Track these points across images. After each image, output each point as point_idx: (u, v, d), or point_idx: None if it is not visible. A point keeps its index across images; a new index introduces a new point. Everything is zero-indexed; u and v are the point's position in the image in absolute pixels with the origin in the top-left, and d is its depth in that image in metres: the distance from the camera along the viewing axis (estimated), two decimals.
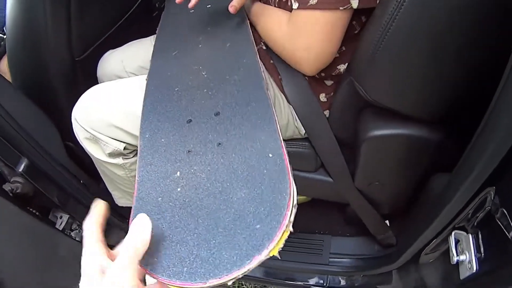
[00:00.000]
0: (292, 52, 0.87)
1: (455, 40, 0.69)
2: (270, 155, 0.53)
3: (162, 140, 0.66)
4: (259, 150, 0.56)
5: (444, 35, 0.68)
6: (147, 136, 0.67)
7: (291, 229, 0.46)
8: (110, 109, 0.96)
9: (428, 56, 0.72)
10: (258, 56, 0.84)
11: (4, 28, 1.47)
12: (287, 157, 0.54)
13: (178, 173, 0.58)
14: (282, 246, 0.45)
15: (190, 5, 1.00)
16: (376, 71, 0.79)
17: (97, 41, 1.21)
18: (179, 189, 0.56)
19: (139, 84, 0.96)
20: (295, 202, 0.48)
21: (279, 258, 0.45)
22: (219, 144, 0.60)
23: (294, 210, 0.47)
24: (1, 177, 1.11)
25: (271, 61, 0.98)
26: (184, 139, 0.64)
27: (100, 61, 1.25)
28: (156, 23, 1.17)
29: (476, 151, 0.67)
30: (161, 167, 0.60)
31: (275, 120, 0.62)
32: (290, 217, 0.46)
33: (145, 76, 0.93)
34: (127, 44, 1.26)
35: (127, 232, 1.03)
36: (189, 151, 0.61)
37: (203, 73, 0.83)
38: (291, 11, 0.86)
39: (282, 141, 0.56)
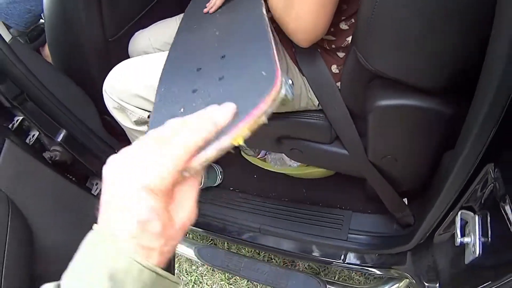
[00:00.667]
0: (286, 24, 0.88)
1: (452, 2, 0.65)
2: (264, 73, 0.53)
3: (174, 90, 0.69)
4: (254, 71, 0.57)
5: None
6: (162, 89, 0.71)
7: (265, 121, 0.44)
8: (135, 81, 1.04)
9: (424, 20, 0.69)
10: (267, 21, 0.81)
11: (42, 14, 1.64)
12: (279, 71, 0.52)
13: (182, 109, 0.59)
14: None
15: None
16: (374, 38, 0.77)
17: (128, 23, 1.30)
18: None
19: (162, 58, 1.03)
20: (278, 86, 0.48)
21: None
22: (220, 78, 0.62)
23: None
24: (42, 146, 1.23)
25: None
26: (192, 83, 0.66)
27: (131, 39, 1.34)
28: (184, 6, 1.24)
29: (470, 122, 0.66)
30: (169, 109, 0.62)
31: (273, 52, 0.60)
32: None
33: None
34: (154, 23, 1.34)
35: None
36: (194, 91, 0.63)
37: (216, 33, 0.86)
38: None
39: (277, 62, 0.55)
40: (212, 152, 0.41)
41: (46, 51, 1.59)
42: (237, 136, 0.42)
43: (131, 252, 0.36)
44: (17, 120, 1.15)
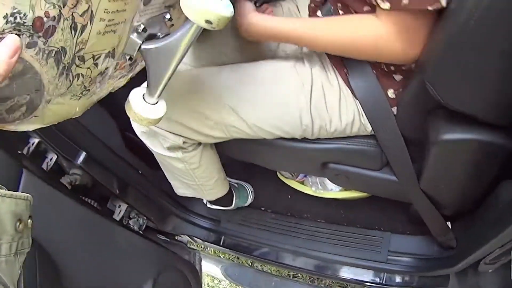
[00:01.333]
0: (387, 53, 0.81)
1: None
2: None
3: None
4: None
5: None
6: None
7: None
8: (166, 103, 0.94)
9: (509, 58, 0.65)
10: None
11: None
12: None
13: None
14: None
15: None
16: (449, 71, 0.73)
17: None
18: None
19: (197, 78, 0.94)
20: None
21: None
22: None
23: None
24: (60, 170, 1.14)
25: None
26: None
27: None
28: None
29: None
30: None
31: None
32: None
33: (203, 70, 0.93)
34: None
35: (183, 220, 1.14)
36: None
37: None
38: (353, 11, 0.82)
39: None
40: None
41: None
42: None
43: None
44: (33, 143, 1.05)
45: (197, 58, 1.10)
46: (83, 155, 1.14)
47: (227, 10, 0.51)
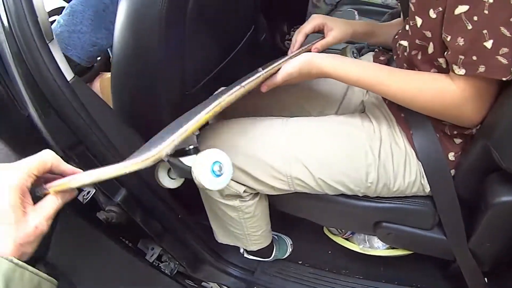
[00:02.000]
0: (455, 114, 0.83)
1: None
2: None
3: None
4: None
5: None
6: None
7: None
8: (231, 149, 0.94)
9: None
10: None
11: (108, 49, 1.47)
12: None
13: None
14: None
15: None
16: None
17: (207, 76, 1.19)
18: None
19: (264, 126, 0.94)
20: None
21: None
22: None
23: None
24: (97, 205, 1.09)
25: (402, 115, 0.94)
26: None
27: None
28: (262, 59, 1.15)
29: None
30: None
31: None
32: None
33: (271, 120, 0.96)
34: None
35: (216, 268, 1.20)
36: None
37: None
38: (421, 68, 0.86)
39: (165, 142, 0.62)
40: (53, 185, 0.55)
41: (96, 87, 1.45)
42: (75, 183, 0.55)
43: None
44: None
45: (260, 108, 1.12)
46: (123, 193, 1.09)
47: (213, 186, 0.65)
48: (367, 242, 1.31)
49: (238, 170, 0.95)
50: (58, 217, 0.55)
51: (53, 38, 0.88)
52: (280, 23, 1.11)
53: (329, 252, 1.40)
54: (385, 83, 0.83)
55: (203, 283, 1.46)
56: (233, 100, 0.77)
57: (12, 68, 0.84)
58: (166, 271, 1.25)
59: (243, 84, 0.79)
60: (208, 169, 0.65)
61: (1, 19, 0.81)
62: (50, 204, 0.53)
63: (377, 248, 1.30)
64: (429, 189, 0.97)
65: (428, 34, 0.79)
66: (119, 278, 1.02)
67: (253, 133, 0.95)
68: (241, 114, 1.10)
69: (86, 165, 0.95)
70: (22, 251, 0.48)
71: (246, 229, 1.12)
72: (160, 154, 0.59)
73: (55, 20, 1.68)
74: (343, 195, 0.99)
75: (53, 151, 0.90)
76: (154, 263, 1.24)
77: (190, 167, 0.68)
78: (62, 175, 0.57)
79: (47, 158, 0.55)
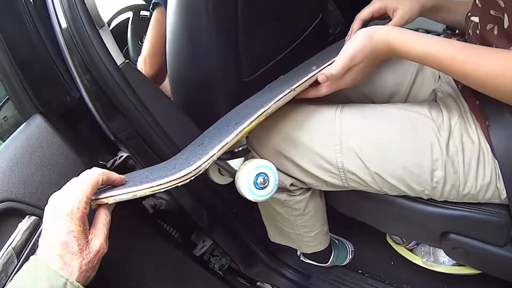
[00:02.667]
0: None
1: None
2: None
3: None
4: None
5: None
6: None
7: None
8: (277, 135, 0.85)
9: None
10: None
11: None
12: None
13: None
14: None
15: None
16: None
17: (267, 64, 1.13)
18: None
19: (316, 114, 0.84)
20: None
21: None
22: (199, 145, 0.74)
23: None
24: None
25: (477, 102, 0.78)
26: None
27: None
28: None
29: None
30: None
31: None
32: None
33: (322, 107, 0.83)
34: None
35: (270, 268, 1.16)
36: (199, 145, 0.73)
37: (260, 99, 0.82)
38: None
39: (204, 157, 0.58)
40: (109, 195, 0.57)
41: (166, 85, 1.46)
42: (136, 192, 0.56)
43: (59, 271, 0.49)
44: (121, 157, 1.00)
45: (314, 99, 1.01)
46: None
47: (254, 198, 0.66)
48: (432, 255, 1.15)
49: (285, 159, 0.85)
50: None
51: (104, 25, 0.90)
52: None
53: (392, 263, 1.26)
54: (460, 60, 0.68)
55: (258, 283, 1.41)
56: (281, 104, 0.71)
57: (65, 52, 0.87)
58: (215, 266, 1.21)
59: (293, 87, 0.72)
60: (251, 180, 0.65)
61: (55, 11, 0.85)
62: (104, 223, 0.56)
63: (442, 263, 1.13)
64: (505, 195, 0.78)
65: (501, 3, 0.65)
66: (158, 269, 0.99)
67: (302, 120, 0.84)
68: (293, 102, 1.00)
69: (136, 151, 0.97)
70: (87, 277, 0.52)
71: (297, 228, 1.03)
72: (199, 168, 0.57)
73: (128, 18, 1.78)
74: (405, 197, 0.85)
75: (104, 134, 0.96)
76: (205, 257, 1.22)
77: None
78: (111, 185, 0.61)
79: (98, 177, 0.57)
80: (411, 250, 1.21)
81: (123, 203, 0.59)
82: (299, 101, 0.84)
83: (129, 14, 1.80)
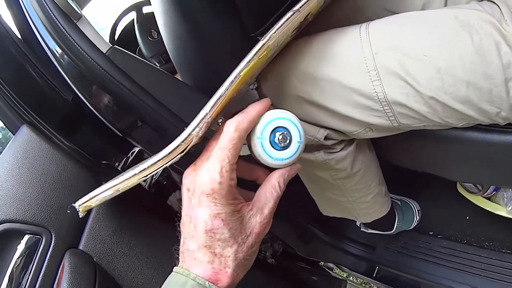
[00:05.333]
0: None
1: None
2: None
3: None
4: None
5: None
6: None
7: None
8: (291, 75, 0.67)
9: None
10: None
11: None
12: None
13: None
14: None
15: None
16: None
17: (271, 16, 0.98)
18: None
19: (337, 39, 0.65)
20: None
21: None
22: None
23: None
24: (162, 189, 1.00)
25: None
26: None
27: None
28: None
29: None
30: None
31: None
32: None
33: (343, 30, 0.65)
34: None
35: (329, 245, 1.07)
36: None
37: None
38: None
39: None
40: None
41: None
42: None
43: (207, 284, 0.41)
44: (133, 153, 0.92)
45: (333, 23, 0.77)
46: None
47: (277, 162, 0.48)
48: None
49: (309, 105, 0.68)
50: None
51: (81, 16, 0.84)
52: None
53: (467, 218, 1.09)
54: None
55: (321, 263, 1.28)
56: (285, 33, 0.53)
57: (50, 56, 0.83)
58: (267, 254, 1.10)
59: (296, 7, 0.52)
60: (266, 139, 0.47)
61: (30, 16, 0.83)
62: (271, 194, 0.46)
63: None
64: None
65: None
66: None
67: (320, 50, 0.65)
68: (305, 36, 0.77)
69: (145, 141, 0.88)
70: (246, 266, 0.45)
71: (348, 194, 0.87)
72: (190, 137, 0.44)
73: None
74: (477, 128, 0.66)
75: (112, 132, 0.88)
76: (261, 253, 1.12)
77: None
78: None
79: (236, 131, 0.44)
80: (490, 199, 1.02)
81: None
82: (310, 33, 0.68)
83: (133, 14, 1.75)
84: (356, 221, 1.12)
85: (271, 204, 0.45)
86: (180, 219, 0.45)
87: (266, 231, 0.45)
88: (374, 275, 1.16)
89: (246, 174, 0.50)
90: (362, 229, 1.12)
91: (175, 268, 0.44)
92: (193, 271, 0.42)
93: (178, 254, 0.45)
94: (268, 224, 0.44)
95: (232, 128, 0.43)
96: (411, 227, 1.09)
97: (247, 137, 0.47)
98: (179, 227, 0.46)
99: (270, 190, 0.45)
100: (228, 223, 0.41)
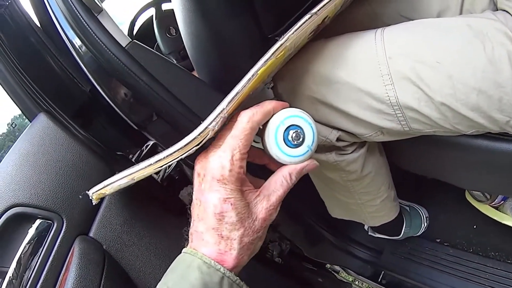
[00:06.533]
0: None
1: None
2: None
3: None
4: None
5: None
6: None
7: None
8: (307, 77, 0.69)
9: None
10: None
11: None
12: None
13: None
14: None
15: None
16: None
17: (291, 17, 0.99)
18: None
19: (346, 39, 0.67)
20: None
21: None
22: None
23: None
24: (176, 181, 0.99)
25: None
26: None
27: None
28: None
29: None
30: None
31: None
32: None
33: (355, 35, 0.67)
34: None
35: (336, 247, 1.04)
36: None
37: None
38: None
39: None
40: None
41: None
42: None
43: (216, 265, 0.43)
44: (147, 146, 0.93)
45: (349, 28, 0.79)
46: None
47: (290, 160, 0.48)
48: None
49: (323, 106, 0.68)
50: None
51: (101, 10, 0.86)
52: None
53: (475, 226, 1.08)
54: None
55: (327, 265, 1.28)
56: (303, 35, 0.54)
57: (69, 47, 0.84)
58: (274, 253, 1.10)
59: (314, 10, 0.53)
60: (280, 136, 0.48)
61: (51, 7, 0.83)
62: (280, 182, 0.47)
63: None
64: None
65: None
66: None
67: (336, 53, 0.67)
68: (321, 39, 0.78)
69: (160, 135, 0.88)
70: (251, 249, 0.46)
71: (357, 196, 0.87)
72: (206, 131, 0.45)
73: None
74: (486, 136, 0.66)
75: (127, 125, 0.89)
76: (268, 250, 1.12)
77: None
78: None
79: (249, 122, 0.46)
80: (497, 208, 1.01)
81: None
82: (327, 36, 0.70)
83: (152, 11, 1.77)
84: (364, 225, 1.12)
85: (279, 192, 0.46)
86: (190, 212, 0.47)
87: (273, 217, 0.46)
88: (379, 280, 1.15)
89: (256, 159, 0.51)
90: (369, 233, 1.12)
91: (184, 249, 0.46)
92: (200, 251, 0.44)
93: (188, 236, 0.47)
94: (274, 211, 0.46)
95: (245, 119, 0.45)
96: (418, 234, 1.09)
97: (261, 131, 0.49)
98: (190, 210, 0.47)
99: (281, 179, 0.46)
100: (237, 207, 0.43)
